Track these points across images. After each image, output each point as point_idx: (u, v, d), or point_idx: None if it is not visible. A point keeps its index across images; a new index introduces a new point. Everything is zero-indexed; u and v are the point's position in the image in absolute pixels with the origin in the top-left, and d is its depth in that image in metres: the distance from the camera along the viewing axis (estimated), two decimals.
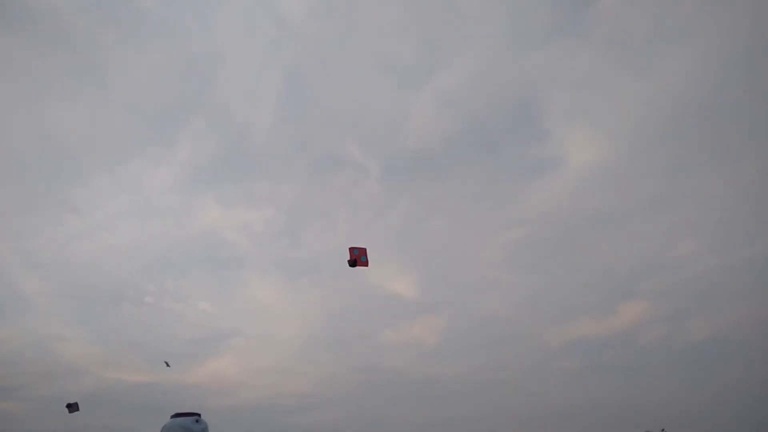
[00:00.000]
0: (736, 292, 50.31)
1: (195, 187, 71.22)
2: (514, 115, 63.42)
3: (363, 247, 18.97)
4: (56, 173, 65.91)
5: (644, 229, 56.21)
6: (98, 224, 65.60)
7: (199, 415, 5.71)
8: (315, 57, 65.79)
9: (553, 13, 59.83)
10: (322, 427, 54.44)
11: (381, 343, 61.46)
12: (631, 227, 57.12)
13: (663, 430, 41.67)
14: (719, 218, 52.43)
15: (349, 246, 19.00)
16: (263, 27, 66.33)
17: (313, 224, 70.47)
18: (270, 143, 69.90)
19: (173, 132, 69.17)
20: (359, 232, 70.00)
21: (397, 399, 55.98)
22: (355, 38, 64.69)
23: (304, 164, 71.42)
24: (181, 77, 66.73)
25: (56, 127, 61.91)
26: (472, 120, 67.76)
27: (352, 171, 69.26)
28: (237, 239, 69.44)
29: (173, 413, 5.61)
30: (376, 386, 57.79)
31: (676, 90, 54.26)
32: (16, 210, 61.38)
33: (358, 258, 18.81)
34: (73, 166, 65.98)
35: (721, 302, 50.69)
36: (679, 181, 53.94)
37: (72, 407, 19.44)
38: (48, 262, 61.37)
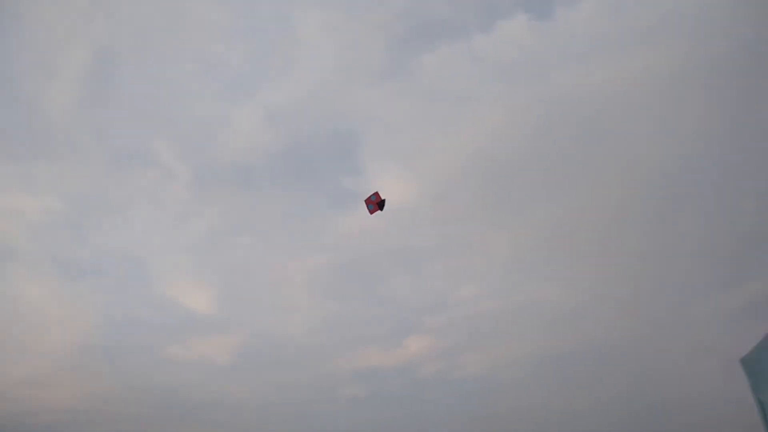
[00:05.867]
0: (506, 333, 56.58)
1: None
2: (334, 145, 64.78)
3: (372, 194, 18.98)
4: None
5: (433, 270, 60.89)
6: None
7: None
8: (131, 40, 60.46)
9: (382, 57, 62.93)
10: None
11: (165, 360, 57.08)
12: (423, 266, 61.44)
13: None
14: (497, 267, 58.89)
15: (365, 199, 18.82)
16: None
17: (103, 221, 63.26)
18: (63, 123, 61.68)
19: None
20: (156, 238, 64.64)
21: (178, 419, 52.39)
22: (179, 30, 60.87)
23: (100, 154, 64.20)
24: None
25: None
26: (294, 142, 67.65)
27: (158, 171, 63.94)
28: (5, 227, 59.82)
29: None
30: (156, 406, 53.45)
31: (474, 148, 60.55)
32: None
33: (377, 202, 18.52)
34: None
35: (492, 341, 56.61)
36: (467, 230, 59.70)
37: None
38: None
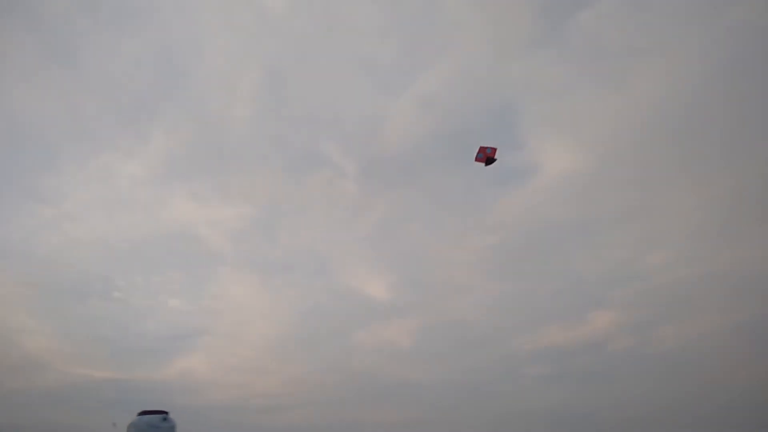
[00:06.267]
0: (704, 302, 51.04)
1: (168, 180, 69.39)
2: (492, 122, 63.36)
3: (489, 147, 19.62)
4: (24, 159, 63.86)
5: (615, 239, 56.83)
6: (66, 214, 63.66)
7: (167, 413, 5.59)
8: (295, 53, 65.00)
9: (532, 25, 60.17)
10: (293, 428, 53.62)
11: (354, 345, 60.93)
12: (601, 236, 57.58)
13: None
14: (689, 230, 53.32)
15: (480, 146, 19.53)
16: (243, 20, 64.83)
17: (288, 222, 69.19)
18: (246, 138, 68.40)
19: (147, 123, 67.35)
20: (335, 233, 69.01)
21: (369, 400, 55.73)
22: (335, 37, 63.87)
23: (280, 161, 70.14)
24: (157, 67, 65.45)
25: (24, 110, 59.98)
26: (451, 125, 67.78)
27: (329, 170, 68.24)
28: (210, 235, 67.97)
29: (140, 411, 5.47)
30: (349, 387, 57.40)
31: (650, 103, 55.17)
32: None
33: (491, 155, 19.27)
34: (41, 152, 63.90)
35: (690, 312, 51.41)
36: (650, 193, 54.75)
37: None
38: (12, 251, 59.22)
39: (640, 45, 55.80)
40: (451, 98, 64.58)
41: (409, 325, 61.45)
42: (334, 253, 69.37)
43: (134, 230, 66.24)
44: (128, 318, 60.58)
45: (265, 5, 63.58)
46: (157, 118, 67.78)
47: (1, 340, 53.22)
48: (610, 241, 57.19)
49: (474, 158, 20.55)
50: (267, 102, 67.88)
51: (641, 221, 56.97)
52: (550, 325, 57.39)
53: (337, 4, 63.21)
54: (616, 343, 53.76)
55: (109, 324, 58.77)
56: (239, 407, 55.05)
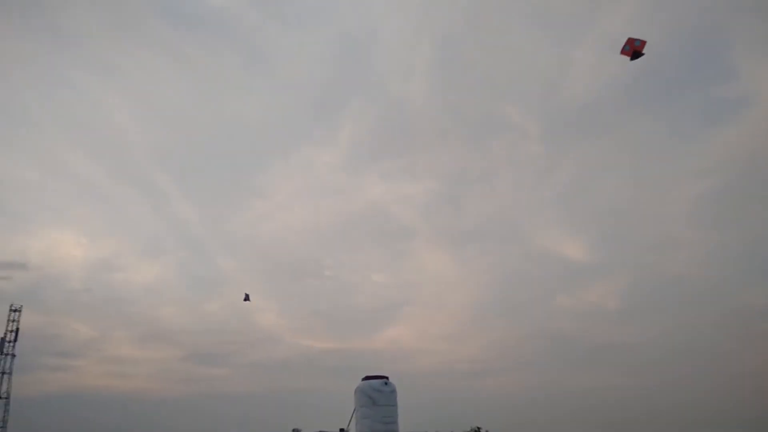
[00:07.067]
0: None
1: (359, 164, 74.46)
2: (693, 52, 55.73)
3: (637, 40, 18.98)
4: (240, 162, 73.62)
5: None
6: (279, 206, 72.18)
7: (387, 378, 6.26)
8: (465, 20, 64.34)
9: None
10: (499, 392, 54.76)
11: (554, 309, 59.56)
12: None
13: None
14: None
15: (629, 38, 19.05)
16: None
17: (474, 192, 69.68)
18: (425, 114, 70.08)
19: (337, 114, 72.85)
20: (522, 197, 67.71)
21: (575, 365, 54.14)
22: None
23: (460, 131, 70.61)
24: (340, 60, 70.00)
25: (234, 119, 69.02)
26: (643, 63, 61.36)
27: (511, 133, 66.74)
28: (402, 212, 71.52)
29: (364, 376, 6.19)
30: (552, 352, 56.41)
31: None
32: (212, 198, 70.00)
33: (639, 48, 18.76)
34: (252, 153, 73.13)
35: None
36: None
37: (247, 298, 27.48)
38: (241, 242, 69.24)
39: None
40: (640, 34, 58.53)
41: (614, 284, 58.09)
42: (525, 217, 68.27)
43: (335, 213, 72.68)
44: (340, 293, 67.17)
45: None
46: (344, 108, 72.97)
47: (240, 318, 63.11)
48: None
49: (620, 51, 18.77)
50: (443, 74, 68.64)
51: None
52: None
53: None
54: None
55: (325, 299, 65.87)
56: (445, 372, 57.82)
